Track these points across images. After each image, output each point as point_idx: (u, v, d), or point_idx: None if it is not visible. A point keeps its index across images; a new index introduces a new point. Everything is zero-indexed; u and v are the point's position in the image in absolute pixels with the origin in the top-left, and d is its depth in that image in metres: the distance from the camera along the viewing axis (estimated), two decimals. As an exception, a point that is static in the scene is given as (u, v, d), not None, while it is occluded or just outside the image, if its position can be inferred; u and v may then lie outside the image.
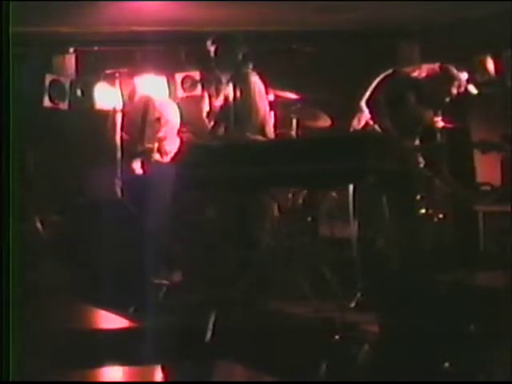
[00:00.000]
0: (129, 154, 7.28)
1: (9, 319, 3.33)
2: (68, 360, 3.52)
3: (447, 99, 6.35)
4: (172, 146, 7.15)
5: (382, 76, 6.24)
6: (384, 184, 5.86)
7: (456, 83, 6.32)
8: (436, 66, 6.39)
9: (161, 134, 7.14)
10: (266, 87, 6.77)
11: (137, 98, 7.49)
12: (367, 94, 6.20)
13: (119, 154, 7.46)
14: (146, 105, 7.33)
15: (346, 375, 4.31)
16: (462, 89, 6.42)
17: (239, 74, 6.43)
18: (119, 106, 7.65)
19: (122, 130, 7.32)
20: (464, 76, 6.43)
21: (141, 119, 7.31)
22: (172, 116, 7.34)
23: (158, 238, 6.66)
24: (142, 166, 7.21)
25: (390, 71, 6.28)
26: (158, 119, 7.29)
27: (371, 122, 6.14)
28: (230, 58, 6.49)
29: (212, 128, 6.86)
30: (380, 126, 6.07)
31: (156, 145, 7.18)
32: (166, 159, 7.17)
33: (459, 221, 6.81)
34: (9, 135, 3.65)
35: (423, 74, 6.35)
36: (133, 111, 7.40)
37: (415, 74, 6.42)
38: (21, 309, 3.61)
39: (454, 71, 6.33)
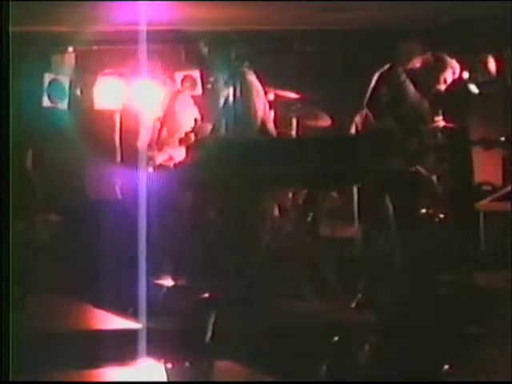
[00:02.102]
0: (143, 153, 7.25)
1: (9, 319, 3.33)
2: (68, 360, 3.52)
3: (442, 86, 6.40)
4: (180, 151, 7.12)
5: (378, 73, 6.25)
6: (384, 184, 5.86)
7: (450, 70, 6.40)
8: (428, 55, 6.46)
9: (173, 139, 7.10)
10: (265, 87, 6.76)
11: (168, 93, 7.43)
12: (367, 94, 6.21)
13: (119, 154, 7.46)
14: (172, 104, 7.29)
15: (346, 375, 4.30)
16: (456, 76, 6.48)
17: (236, 74, 6.41)
18: (119, 105, 7.66)
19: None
20: (456, 65, 6.49)
21: (162, 117, 7.27)
22: (188, 122, 7.28)
23: (158, 238, 6.65)
24: (153, 167, 7.17)
25: (385, 67, 6.30)
26: (176, 123, 7.25)
27: (373, 122, 6.14)
28: (225, 58, 6.49)
29: (211, 128, 6.85)
30: (382, 126, 6.07)
31: (167, 150, 7.14)
32: (174, 162, 7.13)
33: (460, 221, 6.79)
34: (9, 135, 3.64)
35: (418, 65, 6.41)
36: (164, 106, 7.35)
37: (411, 66, 6.46)
38: (20, 309, 3.60)
39: (447, 58, 6.42)
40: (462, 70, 6.63)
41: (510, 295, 4.62)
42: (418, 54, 7.07)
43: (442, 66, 6.42)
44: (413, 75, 6.36)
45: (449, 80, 6.43)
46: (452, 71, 6.43)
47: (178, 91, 7.60)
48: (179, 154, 7.02)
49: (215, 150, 6.02)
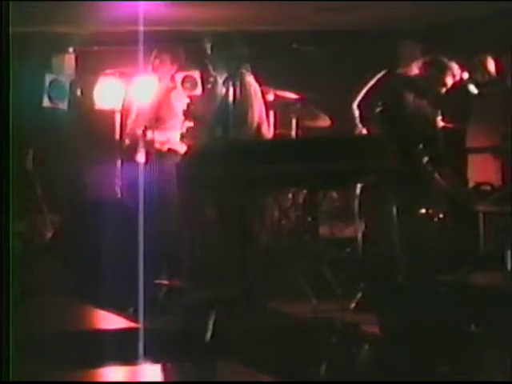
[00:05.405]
0: (131, 141, 7.23)
1: (9, 319, 3.33)
2: (68, 360, 3.52)
3: (443, 89, 6.36)
4: (175, 138, 7.08)
5: (376, 78, 6.24)
6: (384, 184, 5.86)
7: (449, 72, 6.35)
8: (427, 59, 6.44)
9: (166, 125, 7.08)
10: (264, 87, 6.76)
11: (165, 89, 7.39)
12: (360, 96, 6.19)
13: (119, 154, 7.45)
14: (168, 95, 7.26)
15: (346, 375, 4.30)
16: (457, 78, 6.45)
17: (235, 75, 6.41)
18: (119, 105, 7.65)
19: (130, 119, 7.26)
20: (455, 67, 6.44)
21: (156, 107, 7.24)
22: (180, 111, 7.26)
23: (158, 238, 6.66)
24: (146, 156, 7.13)
25: (383, 72, 6.28)
26: (170, 110, 7.22)
27: (359, 125, 6.13)
28: (227, 57, 6.49)
29: (210, 128, 6.85)
30: (368, 129, 6.08)
31: (155, 132, 7.10)
32: (166, 148, 7.09)
33: (459, 221, 6.80)
34: (9, 135, 3.65)
35: (417, 71, 6.38)
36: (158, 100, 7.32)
37: (409, 71, 6.43)
38: (20, 309, 3.60)
39: (445, 60, 6.37)
40: (462, 71, 6.60)
41: (510, 295, 4.62)
42: (418, 55, 7.07)
43: (442, 69, 6.37)
44: (412, 80, 6.34)
45: (449, 83, 6.39)
46: (452, 73, 6.39)
47: (175, 88, 7.59)
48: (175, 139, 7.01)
49: (215, 150, 6.02)
